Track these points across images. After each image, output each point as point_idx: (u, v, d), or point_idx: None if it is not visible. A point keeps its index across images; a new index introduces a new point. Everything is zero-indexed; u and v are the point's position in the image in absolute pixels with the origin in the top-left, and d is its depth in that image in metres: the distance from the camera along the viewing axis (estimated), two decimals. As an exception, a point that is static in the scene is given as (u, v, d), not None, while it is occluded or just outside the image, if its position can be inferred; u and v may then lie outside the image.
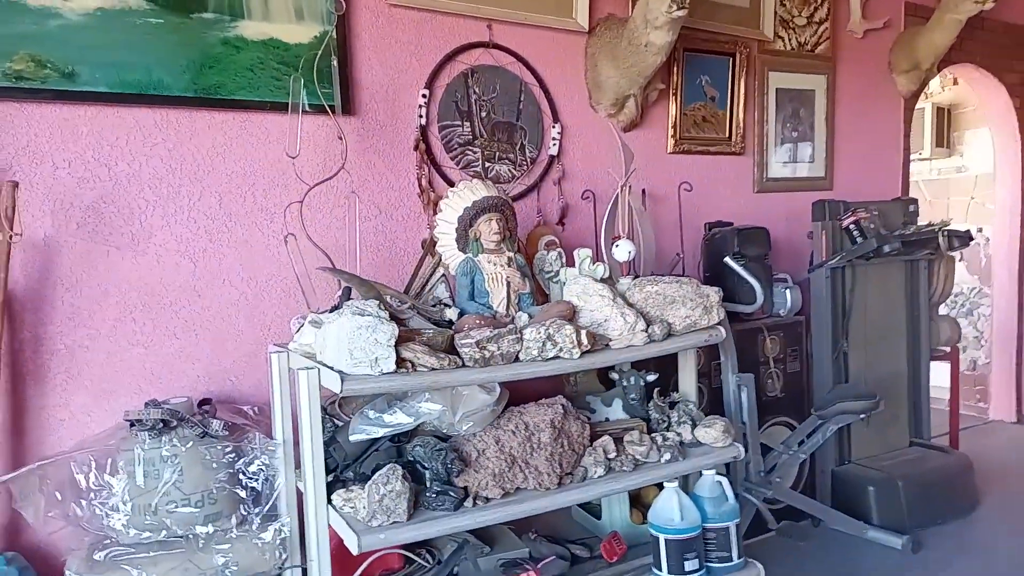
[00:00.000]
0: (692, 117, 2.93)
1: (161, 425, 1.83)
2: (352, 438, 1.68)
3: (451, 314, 1.94)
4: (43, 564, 1.86)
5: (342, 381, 1.56)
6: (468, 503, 1.69)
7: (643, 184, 2.77)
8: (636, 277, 2.18)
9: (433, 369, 1.66)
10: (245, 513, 1.87)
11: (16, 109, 1.91)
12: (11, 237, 1.76)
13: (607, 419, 2.14)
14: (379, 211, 2.36)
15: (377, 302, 1.68)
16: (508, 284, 1.99)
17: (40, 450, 1.92)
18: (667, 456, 1.96)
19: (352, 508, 1.64)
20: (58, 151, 1.95)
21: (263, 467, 1.88)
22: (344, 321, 1.61)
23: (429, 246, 2.18)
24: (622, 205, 2.30)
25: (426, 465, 1.68)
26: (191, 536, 1.81)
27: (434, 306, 2.10)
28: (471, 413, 1.75)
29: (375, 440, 1.71)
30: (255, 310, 2.20)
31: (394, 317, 1.85)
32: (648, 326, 1.97)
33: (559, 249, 2.28)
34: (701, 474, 2.05)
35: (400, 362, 1.65)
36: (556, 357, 1.81)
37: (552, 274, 2.25)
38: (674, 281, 2.07)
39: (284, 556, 1.83)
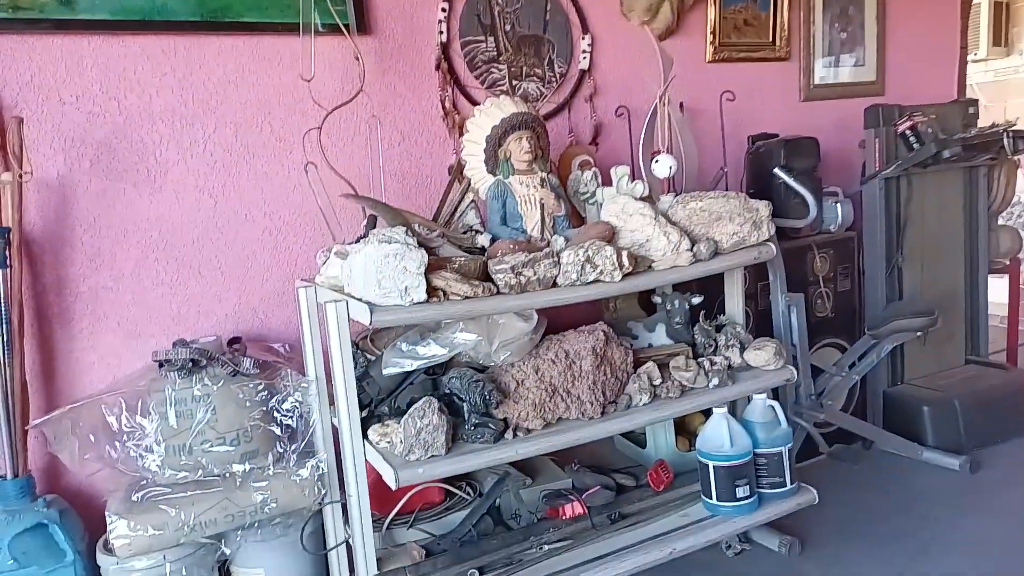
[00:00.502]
0: (732, 21, 2.72)
1: (191, 365, 1.79)
2: (386, 371, 1.61)
3: (483, 240, 1.84)
4: (85, 506, 1.86)
5: (371, 312, 1.48)
6: (508, 435, 1.62)
7: (681, 96, 2.58)
8: (678, 194, 2.04)
9: (467, 297, 1.57)
10: (281, 450, 1.83)
11: (17, 42, 1.81)
12: (21, 176, 1.69)
13: (650, 345, 2.04)
14: (402, 137, 2.23)
15: (404, 229, 1.58)
16: (542, 206, 1.87)
17: (71, 393, 1.89)
18: (715, 381, 1.87)
19: (389, 443, 1.58)
20: (64, 85, 1.86)
21: (297, 404, 1.82)
22: (370, 250, 1.52)
23: (456, 171, 2.06)
24: (661, 118, 2.14)
25: (463, 397, 1.60)
26: (228, 475, 1.78)
27: (464, 233, 2.00)
28: (508, 343, 1.67)
29: (409, 373, 1.64)
30: (280, 245, 2.12)
31: (422, 245, 1.76)
32: (693, 245, 1.85)
33: (594, 169, 2.15)
34: (750, 399, 1.95)
35: (431, 291, 1.56)
36: (596, 281, 1.70)
37: (588, 195, 2.12)
38: (720, 196, 1.93)
39: (323, 492, 1.79)
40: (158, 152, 1.97)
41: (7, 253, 1.70)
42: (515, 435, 1.63)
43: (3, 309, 1.70)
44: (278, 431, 1.84)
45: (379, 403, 1.63)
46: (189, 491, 1.74)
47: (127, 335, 1.97)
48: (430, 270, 1.58)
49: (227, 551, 1.84)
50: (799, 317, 2.34)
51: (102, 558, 1.75)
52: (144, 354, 1.92)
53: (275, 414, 1.80)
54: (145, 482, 1.75)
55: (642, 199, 1.97)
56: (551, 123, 2.40)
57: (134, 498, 1.71)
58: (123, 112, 1.92)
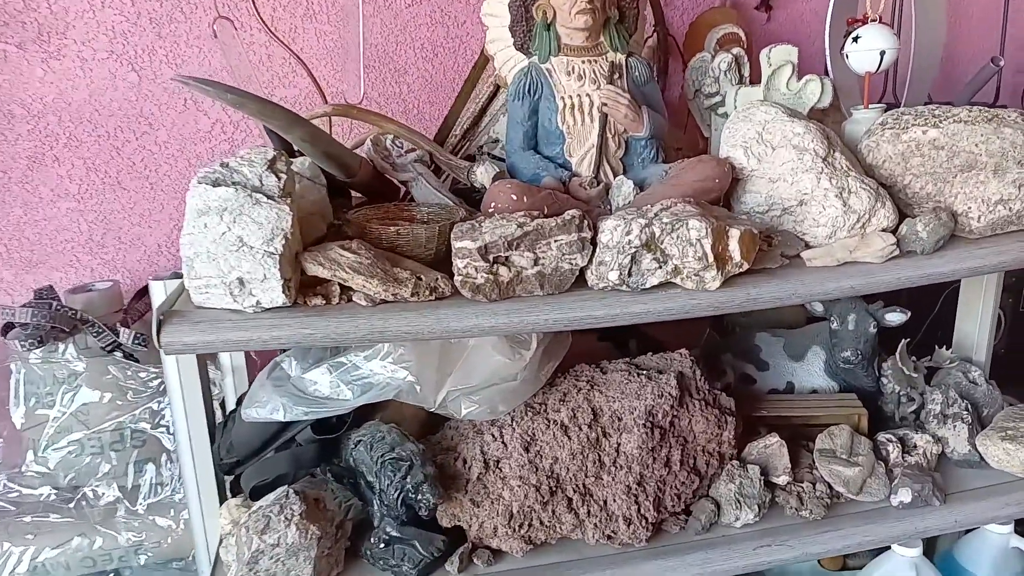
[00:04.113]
0: None
1: (44, 332, 1.18)
2: (245, 416, 0.88)
3: (481, 175, 1.01)
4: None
5: (158, 327, 0.74)
6: (453, 563, 0.86)
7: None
8: (890, 107, 1.05)
9: (376, 303, 0.79)
10: (171, 470, 1.22)
11: None
12: None
13: (788, 387, 1.13)
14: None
15: (272, 157, 0.80)
16: (603, 118, 1.00)
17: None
18: (905, 497, 0.94)
19: (232, 544, 0.87)
20: None
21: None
22: (192, 199, 0.76)
23: (482, 60, 1.20)
24: (881, -45, 1.11)
25: (372, 483, 0.85)
26: (91, 499, 1.20)
27: (481, 152, 1.18)
28: (473, 389, 0.86)
29: (287, 426, 0.89)
30: (237, 144, 1.43)
31: (359, 183, 0.97)
32: (900, 220, 0.90)
33: (738, 50, 1.19)
34: (978, 529, 1.01)
35: (310, 286, 0.79)
36: (665, 285, 0.83)
37: (718, 99, 1.19)
38: (982, 116, 0.93)
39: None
40: (49, -4, 1.31)
41: None
42: (469, 562, 0.87)
43: None
44: (168, 441, 1.22)
45: (231, 468, 0.91)
46: (31, 516, 1.18)
47: (21, 265, 1.41)
48: (327, 238, 0.81)
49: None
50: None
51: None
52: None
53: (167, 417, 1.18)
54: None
55: (808, 115, 1.02)
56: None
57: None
58: (-5, -69, 1.27)
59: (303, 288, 0.79)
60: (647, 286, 0.82)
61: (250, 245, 0.74)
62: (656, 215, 0.82)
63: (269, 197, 0.76)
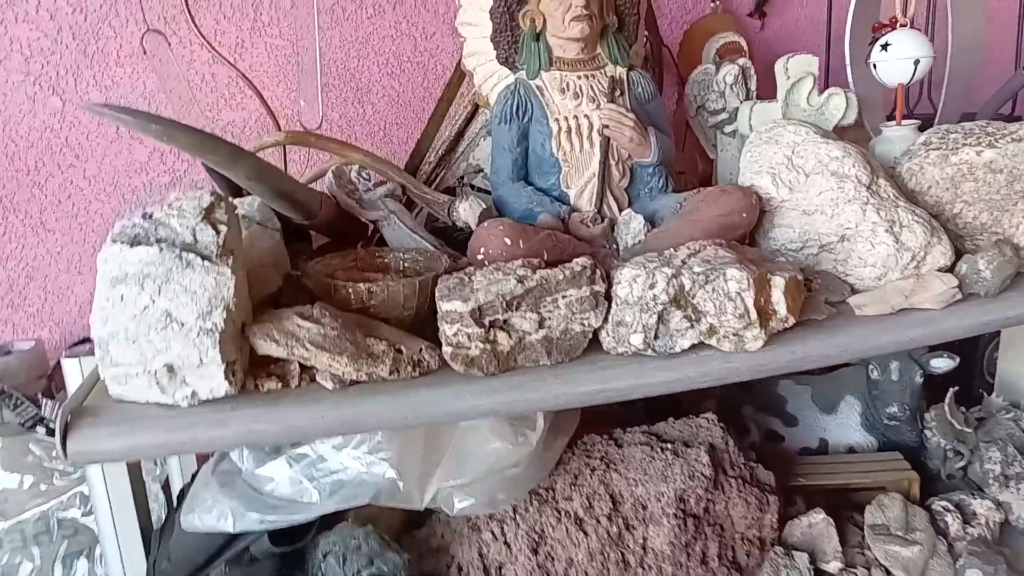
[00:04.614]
0: None
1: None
2: (185, 523, 0.71)
3: (465, 212, 0.86)
4: None
5: (64, 433, 0.58)
6: None
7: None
8: (925, 127, 0.92)
9: (344, 384, 0.63)
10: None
11: None
12: None
13: (821, 444, 0.99)
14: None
15: (207, 205, 0.64)
16: (604, 143, 0.85)
17: None
18: (976, 573, 0.81)
19: None
20: None
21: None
22: (105, 263, 0.60)
23: (457, 76, 1.05)
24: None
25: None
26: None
27: (461, 184, 1.03)
28: (465, 484, 0.71)
29: (236, 537, 0.72)
30: (181, 181, 1.26)
31: (320, 225, 0.82)
32: (957, 258, 0.77)
33: (744, 61, 1.06)
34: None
35: (262, 364, 0.63)
36: (697, 347, 0.69)
37: (724, 116, 1.06)
38: (1040, 136, 0.81)
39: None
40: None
41: None
42: None
43: None
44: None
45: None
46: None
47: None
48: (299, 291, 0.66)
49: None
50: None
51: None
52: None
53: (56, 520, 0.99)
54: None
55: (840, 132, 0.89)
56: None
57: None
58: None
59: (253, 368, 0.63)
60: (677, 351, 0.68)
61: (181, 321, 0.58)
62: (684, 263, 0.68)
63: (205, 257, 0.60)
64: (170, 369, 0.59)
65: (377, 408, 0.63)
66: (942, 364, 0.90)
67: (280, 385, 0.64)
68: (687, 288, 0.66)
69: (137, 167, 1.23)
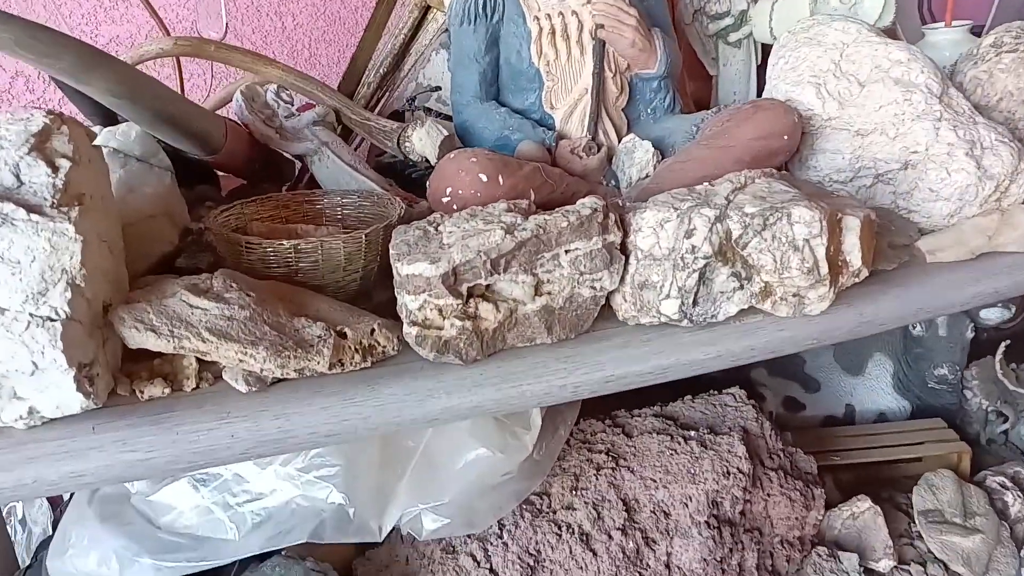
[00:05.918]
0: None
1: None
2: (51, 570, 0.52)
3: (420, 142, 0.65)
4: None
5: None
6: None
7: None
8: (979, 31, 0.76)
9: (264, 384, 0.44)
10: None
11: None
12: None
13: (848, 411, 0.84)
14: None
15: (38, 130, 0.42)
16: (599, 48, 0.66)
17: None
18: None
19: None
20: None
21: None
22: None
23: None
24: None
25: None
26: None
27: (410, 109, 0.82)
28: (440, 502, 0.53)
29: None
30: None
31: (227, 161, 0.61)
32: (1048, 185, 0.61)
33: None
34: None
35: (139, 360, 0.43)
36: (746, 313, 0.52)
37: (729, 21, 0.87)
38: None
39: None
40: None
41: None
42: None
43: None
44: None
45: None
46: None
47: None
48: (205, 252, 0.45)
49: None
50: None
51: None
52: None
53: None
54: None
55: (887, 32, 0.72)
56: None
57: None
58: None
59: (129, 366, 0.43)
60: (720, 319, 0.50)
61: (6, 307, 0.38)
62: (729, 200, 0.50)
63: (32, 209, 0.39)
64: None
65: (315, 421, 0.44)
66: (994, 315, 0.76)
67: (169, 390, 0.44)
68: (736, 235, 0.49)
69: (-6, 96, 0.98)
